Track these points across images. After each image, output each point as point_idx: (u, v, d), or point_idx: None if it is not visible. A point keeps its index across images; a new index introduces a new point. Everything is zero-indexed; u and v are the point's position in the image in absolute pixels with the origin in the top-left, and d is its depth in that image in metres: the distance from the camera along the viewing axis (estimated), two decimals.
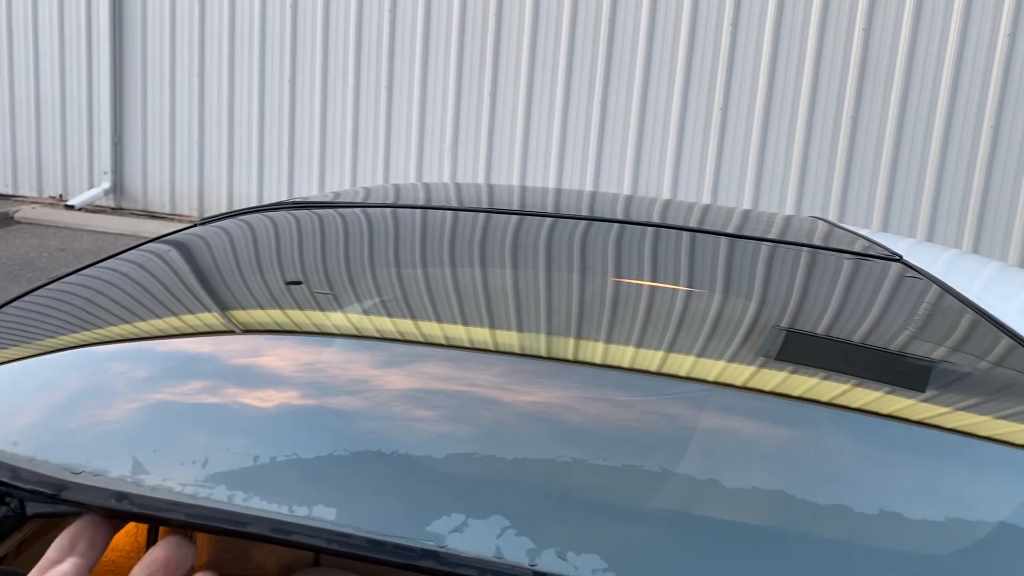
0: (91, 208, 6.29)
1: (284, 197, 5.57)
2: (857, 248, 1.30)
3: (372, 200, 1.50)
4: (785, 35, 4.93)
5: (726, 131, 5.08)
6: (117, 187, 6.38)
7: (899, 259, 1.27)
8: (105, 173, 6.30)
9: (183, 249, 1.16)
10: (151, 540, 1.87)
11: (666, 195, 5.21)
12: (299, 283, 0.98)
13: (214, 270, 1.08)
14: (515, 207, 1.47)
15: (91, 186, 6.38)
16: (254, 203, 5.84)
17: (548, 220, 1.34)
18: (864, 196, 4.89)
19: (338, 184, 5.82)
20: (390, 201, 1.48)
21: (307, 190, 5.83)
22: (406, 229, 1.24)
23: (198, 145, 6.14)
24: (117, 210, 6.37)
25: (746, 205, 5.11)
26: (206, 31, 5.98)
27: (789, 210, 5.03)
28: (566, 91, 5.32)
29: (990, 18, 4.64)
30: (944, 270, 1.22)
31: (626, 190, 5.24)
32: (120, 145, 6.30)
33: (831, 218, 4.93)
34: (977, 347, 0.86)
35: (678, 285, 1.01)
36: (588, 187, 5.36)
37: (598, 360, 0.77)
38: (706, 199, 5.10)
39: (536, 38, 5.36)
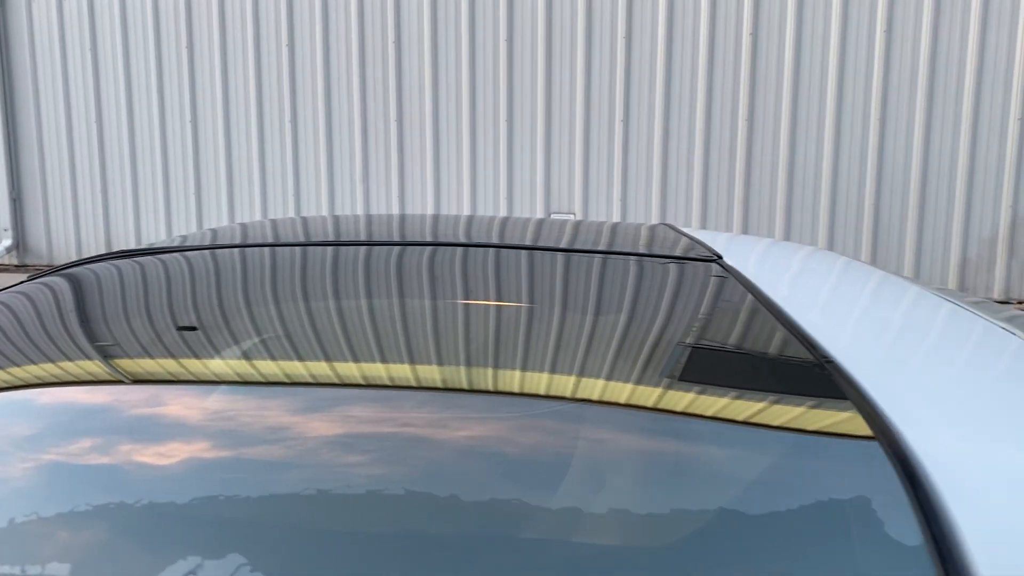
0: None
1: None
2: (678, 252, 1.39)
3: (219, 241, 1.49)
4: (677, 44, 5.08)
5: (629, 143, 5.21)
6: (19, 243, 6.19)
7: (716, 259, 1.35)
8: (5, 230, 6.10)
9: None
10: None
11: (577, 212, 5.31)
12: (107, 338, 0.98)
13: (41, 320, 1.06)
14: (365, 237, 1.51)
15: None
16: None
17: (385, 248, 1.39)
18: (765, 200, 5.08)
19: (248, 218, 5.76)
20: (236, 241, 1.49)
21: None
22: (244, 268, 1.26)
23: (101, 192, 5.99)
24: (21, 267, 6.18)
25: (654, 215, 5.25)
26: (100, 78, 5.84)
27: (695, 219, 5.18)
28: (472, 113, 5.38)
29: (867, 16, 4.86)
30: (758, 268, 1.32)
31: (539, 209, 5.33)
32: (19, 201, 6.11)
33: (736, 221, 5.10)
34: (760, 343, 0.94)
35: (493, 301, 1.07)
36: (502, 208, 5.43)
37: (415, 383, 0.81)
38: (616, 214, 5.21)
39: (438, 62, 5.40)
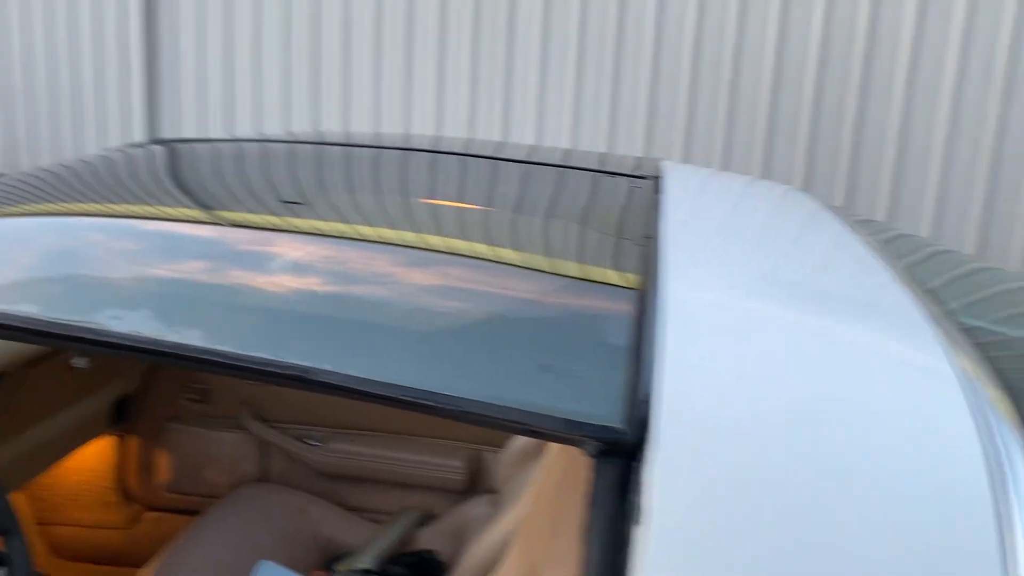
0: None
1: None
2: (626, 171, 1.60)
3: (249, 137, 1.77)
4: None
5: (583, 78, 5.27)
6: None
7: (651, 179, 1.54)
8: None
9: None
10: (118, 457, 2.11)
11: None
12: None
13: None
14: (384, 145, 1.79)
15: None
16: None
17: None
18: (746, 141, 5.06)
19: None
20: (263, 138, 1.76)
21: None
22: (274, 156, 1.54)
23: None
24: None
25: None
26: None
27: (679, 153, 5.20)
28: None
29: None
30: (682, 190, 1.47)
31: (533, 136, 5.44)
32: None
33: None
34: (617, 231, 1.15)
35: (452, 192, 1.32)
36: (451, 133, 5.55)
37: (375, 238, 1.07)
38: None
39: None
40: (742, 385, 0.74)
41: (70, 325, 0.85)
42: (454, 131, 5.41)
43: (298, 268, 0.93)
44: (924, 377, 0.76)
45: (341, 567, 1.80)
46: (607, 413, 0.73)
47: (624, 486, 0.71)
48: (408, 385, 0.76)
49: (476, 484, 2.10)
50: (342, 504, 2.08)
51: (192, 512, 2.14)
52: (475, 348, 0.80)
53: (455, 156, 1.61)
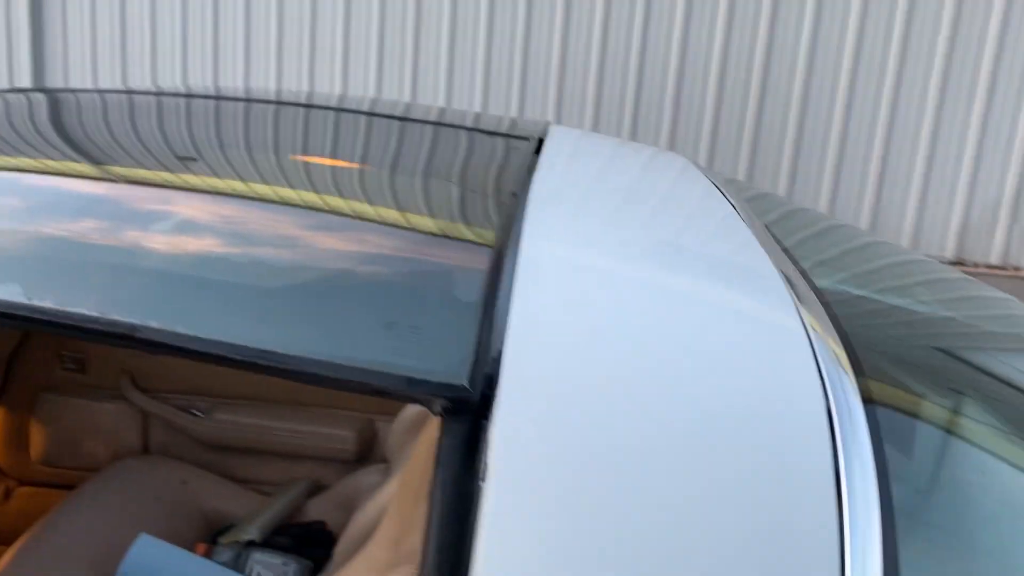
0: None
1: None
2: (511, 132, 1.58)
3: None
4: None
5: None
6: None
7: (530, 140, 1.50)
8: None
9: None
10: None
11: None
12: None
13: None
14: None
15: None
16: None
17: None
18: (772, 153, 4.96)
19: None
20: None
21: None
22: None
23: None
24: None
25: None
26: None
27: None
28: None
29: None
30: (558, 152, 1.44)
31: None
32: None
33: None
34: (484, 188, 1.16)
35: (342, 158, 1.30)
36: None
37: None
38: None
39: None
40: (591, 342, 0.73)
41: None
42: (359, 92, 5.28)
43: (139, 222, 0.88)
44: (771, 332, 0.77)
45: (225, 539, 1.75)
46: (452, 370, 0.71)
47: (472, 445, 0.69)
48: (242, 344, 0.72)
49: (369, 454, 2.06)
50: (229, 476, 2.02)
51: (69, 487, 2.04)
52: (320, 305, 0.76)
53: (336, 112, 1.56)
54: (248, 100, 1.61)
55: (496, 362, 0.71)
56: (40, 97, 1.51)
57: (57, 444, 2.05)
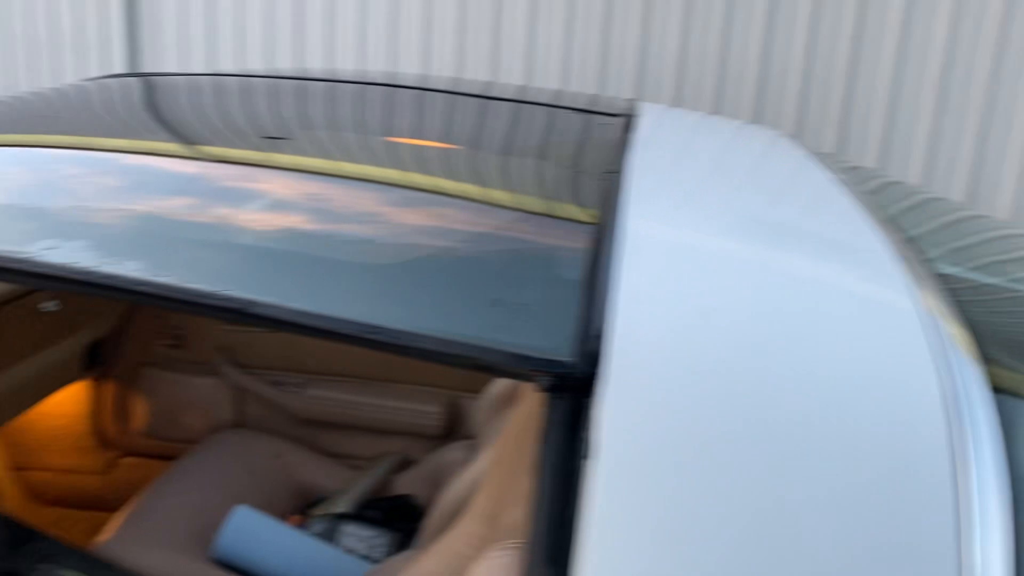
0: None
1: None
2: (603, 109, 1.58)
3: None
4: None
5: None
6: None
7: (628, 117, 1.52)
8: None
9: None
10: (94, 403, 2.10)
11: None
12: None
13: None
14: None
15: None
16: None
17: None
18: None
19: None
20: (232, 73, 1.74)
21: None
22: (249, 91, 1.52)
23: None
24: None
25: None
26: None
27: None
28: None
29: None
30: (657, 129, 1.45)
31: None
32: None
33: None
34: (577, 164, 1.14)
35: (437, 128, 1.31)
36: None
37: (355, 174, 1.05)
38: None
39: None
40: (697, 320, 0.72)
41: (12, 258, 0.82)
42: (441, 72, 5.32)
43: (250, 201, 0.90)
44: (884, 312, 0.74)
45: (317, 512, 1.80)
46: (557, 347, 0.71)
47: (576, 421, 0.69)
48: (352, 319, 0.73)
49: (455, 430, 2.09)
50: (319, 450, 2.08)
51: (169, 458, 2.13)
52: (426, 282, 0.77)
53: (429, 92, 1.57)
54: (354, 82, 1.64)
55: (600, 339, 0.71)
56: (167, 81, 1.56)
57: (157, 417, 2.13)
